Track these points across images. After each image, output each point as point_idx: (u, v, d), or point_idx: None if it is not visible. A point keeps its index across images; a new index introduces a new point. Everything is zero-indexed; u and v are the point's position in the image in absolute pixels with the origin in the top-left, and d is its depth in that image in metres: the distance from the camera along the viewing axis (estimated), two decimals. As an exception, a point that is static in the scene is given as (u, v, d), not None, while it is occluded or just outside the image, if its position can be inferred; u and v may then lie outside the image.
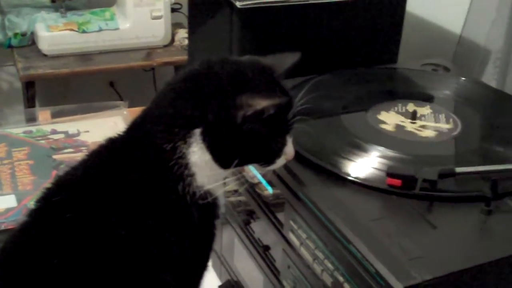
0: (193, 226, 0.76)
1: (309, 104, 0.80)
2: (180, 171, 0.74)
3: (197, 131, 0.73)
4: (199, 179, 0.75)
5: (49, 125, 1.40)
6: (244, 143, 0.74)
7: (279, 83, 0.78)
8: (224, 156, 0.75)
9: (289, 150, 0.80)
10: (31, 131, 1.37)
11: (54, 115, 1.47)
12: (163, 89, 0.78)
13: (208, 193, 0.77)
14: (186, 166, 0.74)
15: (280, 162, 0.80)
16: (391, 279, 0.67)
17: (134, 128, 0.78)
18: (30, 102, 1.99)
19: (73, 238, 0.71)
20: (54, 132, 1.38)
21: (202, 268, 0.82)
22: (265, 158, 0.78)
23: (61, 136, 1.37)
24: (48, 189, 0.76)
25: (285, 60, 0.81)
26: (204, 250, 0.81)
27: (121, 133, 0.78)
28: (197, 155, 0.74)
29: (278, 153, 0.78)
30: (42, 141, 1.34)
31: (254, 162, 0.78)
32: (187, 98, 0.75)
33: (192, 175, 0.75)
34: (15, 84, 2.26)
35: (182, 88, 0.76)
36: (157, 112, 0.77)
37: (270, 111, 0.73)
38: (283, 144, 0.78)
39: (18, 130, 1.37)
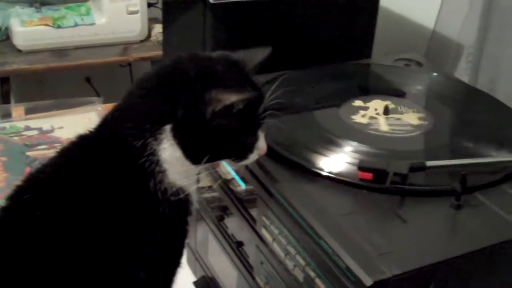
0: (165, 223, 0.76)
1: (281, 99, 0.80)
2: (151, 168, 0.74)
3: (168, 128, 0.73)
4: (171, 176, 0.75)
5: (23, 122, 1.40)
6: (215, 139, 0.74)
7: (250, 78, 0.78)
8: (195, 152, 0.75)
9: (262, 145, 0.80)
10: (4, 128, 1.36)
11: (28, 112, 1.46)
12: (133, 86, 0.78)
13: (180, 190, 0.76)
14: (157, 162, 0.74)
15: (252, 157, 0.80)
16: (361, 274, 0.68)
17: (105, 125, 0.78)
18: (5, 98, 1.97)
19: (44, 236, 0.70)
20: (28, 128, 1.37)
21: (175, 264, 0.82)
22: (236, 153, 0.78)
23: (35, 132, 1.36)
24: (19, 187, 0.75)
25: (256, 55, 0.81)
26: (176, 246, 0.81)
27: (92, 130, 0.78)
28: (168, 151, 0.74)
29: (249, 148, 0.78)
30: (16, 138, 1.33)
31: (226, 157, 0.78)
32: (157, 94, 0.74)
33: (163, 171, 0.74)
34: (-11, 80, 2.24)
35: (152, 84, 0.76)
36: (127, 109, 0.76)
37: (240, 106, 0.73)
38: (255, 139, 0.78)
39: (-9, 127, 1.37)
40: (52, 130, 1.36)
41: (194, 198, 0.81)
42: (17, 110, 1.45)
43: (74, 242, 0.70)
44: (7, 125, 1.38)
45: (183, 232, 0.81)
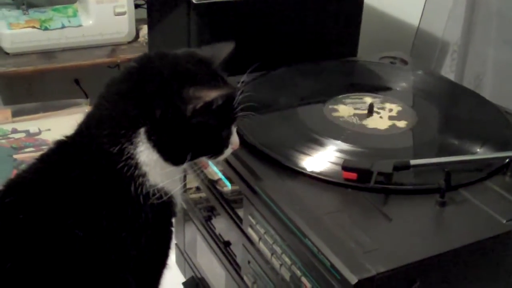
0: (149, 226, 0.75)
1: (251, 92, 0.80)
2: (130, 172, 0.73)
3: (142, 130, 0.72)
4: (152, 178, 0.74)
5: (10, 124, 1.39)
6: (194, 137, 0.74)
7: (219, 74, 0.77)
8: (173, 152, 0.74)
9: (235, 139, 0.80)
10: (-9, 131, 1.36)
11: (15, 114, 1.45)
12: (103, 91, 0.76)
13: (163, 192, 0.76)
14: (136, 166, 0.73)
15: (227, 152, 0.79)
16: (345, 272, 0.68)
17: (80, 132, 0.77)
18: (-8, 101, 1.96)
19: (27, 240, 0.69)
20: (15, 131, 1.37)
21: (161, 266, 0.82)
22: (214, 149, 0.77)
23: (22, 135, 1.35)
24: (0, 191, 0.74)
25: (221, 51, 0.80)
26: (161, 248, 0.81)
27: (69, 136, 0.77)
28: (145, 154, 0.73)
29: (225, 143, 0.78)
30: (3, 141, 1.32)
31: (204, 155, 0.77)
32: (129, 97, 0.73)
33: (143, 175, 0.74)
34: (-23, 83, 2.23)
35: (122, 88, 0.75)
36: (100, 116, 0.75)
37: (219, 102, 0.72)
38: (230, 133, 0.78)
39: (-22, 131, 1.36)
40: (39, 133, 1.36)
41: (179, 199, 0.81)
42: (4, 112, 1.45)
43: (59, 246, 0.70)
44: (-6, 128, 1.37)
45: (167, 234, 0.81)
